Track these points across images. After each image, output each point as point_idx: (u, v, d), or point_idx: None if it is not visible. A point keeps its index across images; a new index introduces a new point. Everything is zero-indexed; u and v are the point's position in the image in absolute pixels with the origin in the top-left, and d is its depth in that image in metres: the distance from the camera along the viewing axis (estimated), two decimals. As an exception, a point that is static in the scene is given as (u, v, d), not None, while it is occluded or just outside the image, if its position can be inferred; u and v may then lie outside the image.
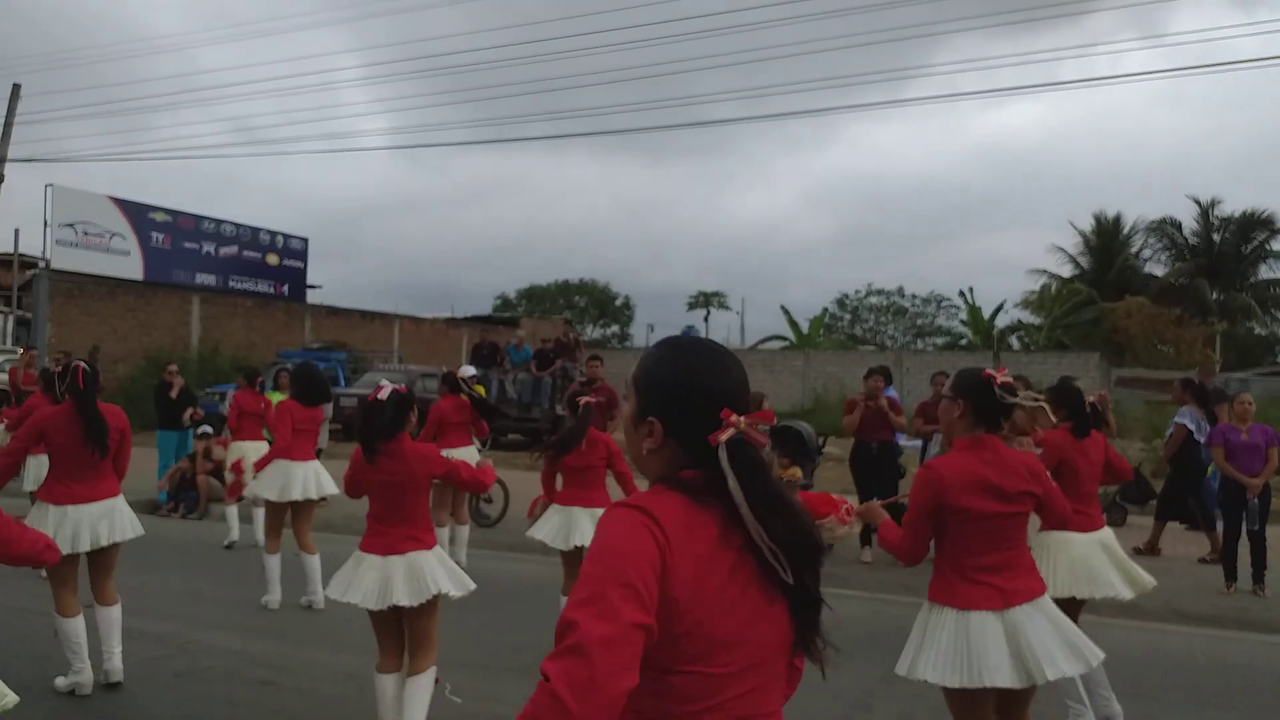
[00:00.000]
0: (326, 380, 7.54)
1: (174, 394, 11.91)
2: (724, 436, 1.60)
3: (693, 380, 1.65)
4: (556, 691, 1.40)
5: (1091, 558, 4.74)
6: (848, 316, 54.18)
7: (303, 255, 32.49)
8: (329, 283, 69.15)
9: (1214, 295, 38.79)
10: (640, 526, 1.50)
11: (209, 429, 12.12)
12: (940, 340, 49.38)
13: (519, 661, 5.94)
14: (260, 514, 8.82)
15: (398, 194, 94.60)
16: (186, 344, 25.97)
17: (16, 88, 23.03)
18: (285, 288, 31.54)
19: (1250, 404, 8.27)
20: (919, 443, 9.89)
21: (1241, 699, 5.62)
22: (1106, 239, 40.77)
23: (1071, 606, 4.54)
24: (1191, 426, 9.33)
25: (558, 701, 1.40)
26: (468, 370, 11.24)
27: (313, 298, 33.39)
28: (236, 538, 9.71)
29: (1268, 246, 39.52)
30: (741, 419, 1.62)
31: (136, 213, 26.77)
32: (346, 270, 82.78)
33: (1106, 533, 4.92)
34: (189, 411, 12.03)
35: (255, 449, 9.16)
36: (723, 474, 1.57)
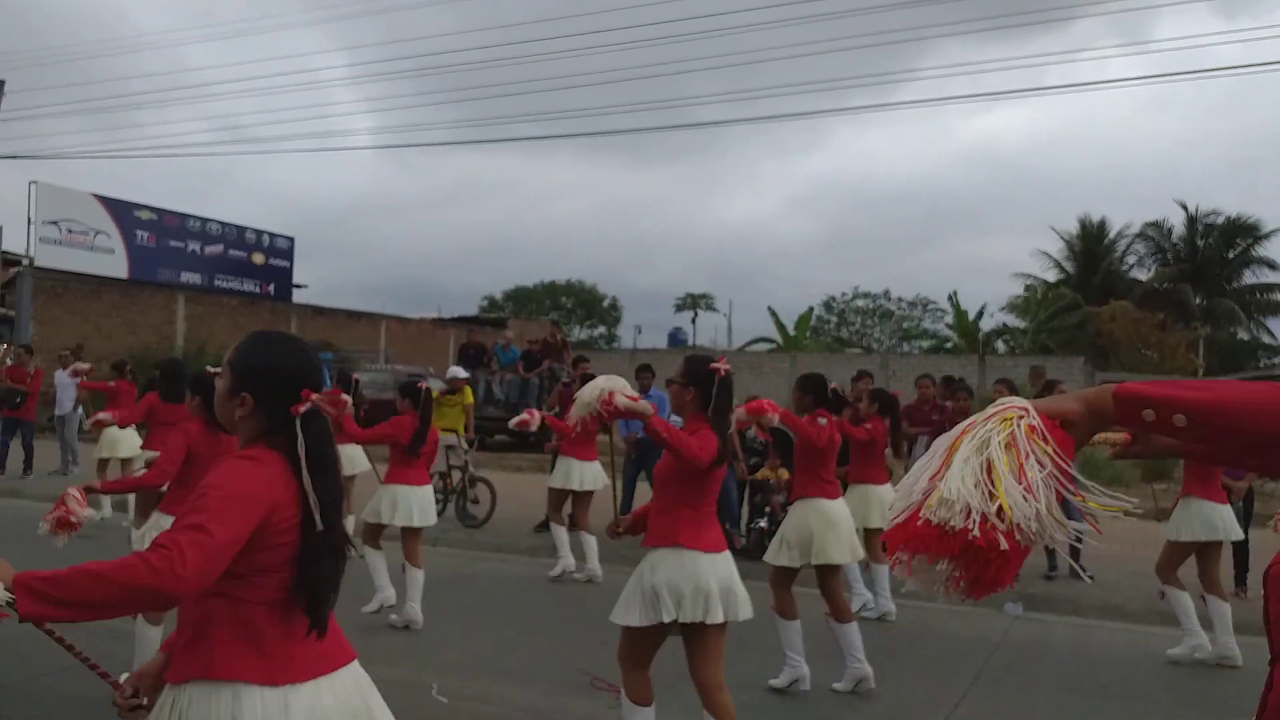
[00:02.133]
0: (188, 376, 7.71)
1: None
2: (302, 409, 2.12)
3: (280, 364, 2.18)
4: (183, 546, 1.84)
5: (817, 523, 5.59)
6: (834, 319, 54.29)
7: (289, 254, 32.36)
8: (315, 282, 68.94)
9: (1198, 300, 39.07)
10: (263, 469, 2.06)
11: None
12: (926, 343, 49.52)
13: (505, 662, 5.93)
14: None
15: (384, 194, 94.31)
16: (172, 344, 25.82)
17: (0, 84, 22.87)
18: (271, 287, 31.41)
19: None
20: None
21: (1225, 699, 5.66)
22: (1091, 243, 41.01)
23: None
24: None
25: (180, 554, 1.83)
26: (457, 371, 11.24)
27: (299, 297, 33.27)
28: None
29: (1252, 252, 39.84)
30: (315, 396, 2.15)
31: (121, 210, 26.61)
32: (333, 270, 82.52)
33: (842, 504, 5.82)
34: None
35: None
36: (295, 437, 2.09)
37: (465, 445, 10.77)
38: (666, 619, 3.88)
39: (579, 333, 55.06)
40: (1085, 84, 62.98)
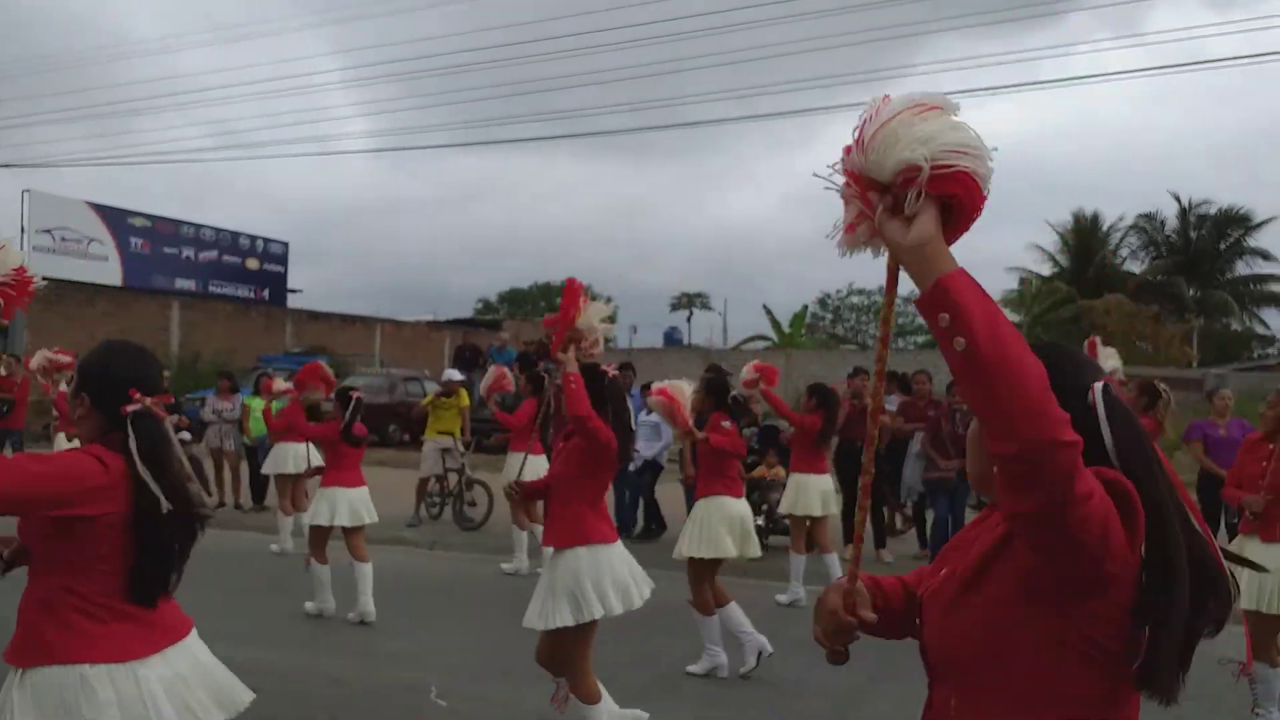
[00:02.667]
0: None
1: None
2: (129, 409, 2.41)
3: (112, 369, 2.48)
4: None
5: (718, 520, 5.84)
6: (829, 316, 54.39)
7: (283, 259, 32.32)
8: (310, 286, 68.74)
9: (1191, 292, 39.18)
10: (95, 461, 2.33)
11: (188, 435, 12.04)
12: (921, 339, 49.59)
13: (503, 664, 5.94)
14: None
15: (379, 197, 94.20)
16: (167, 350, 25.79)
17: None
18: (266, 292, 31.37)
19: (1229, 399, 8.40)
20: None
21: (1224, 690, 5.68)
22: (1085, 237, 41.08)
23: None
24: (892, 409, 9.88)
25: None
26: (452, 374, 11.23)
27: (293, 302, 33.22)
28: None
29: (1244, 243, 39.94)
30: (146, 399, 2.43)
31: (115, 218, 26.58)
32: (328, 274, 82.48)
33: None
34: (174, 418, 11.96)
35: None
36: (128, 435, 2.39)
37: (461, 448, 10.77)
38: (597, 615, 4.08)
39: (574, 333, 54.99)
40: (1079, 78, 63.16)
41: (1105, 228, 41.37)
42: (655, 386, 5.70)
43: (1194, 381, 27.41)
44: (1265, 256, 39.82)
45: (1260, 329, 42.61)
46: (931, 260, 1.36)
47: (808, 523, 7.74)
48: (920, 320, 46.13)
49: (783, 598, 7.71)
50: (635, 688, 5.46)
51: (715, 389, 6.14)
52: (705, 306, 56.91)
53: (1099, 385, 1.52)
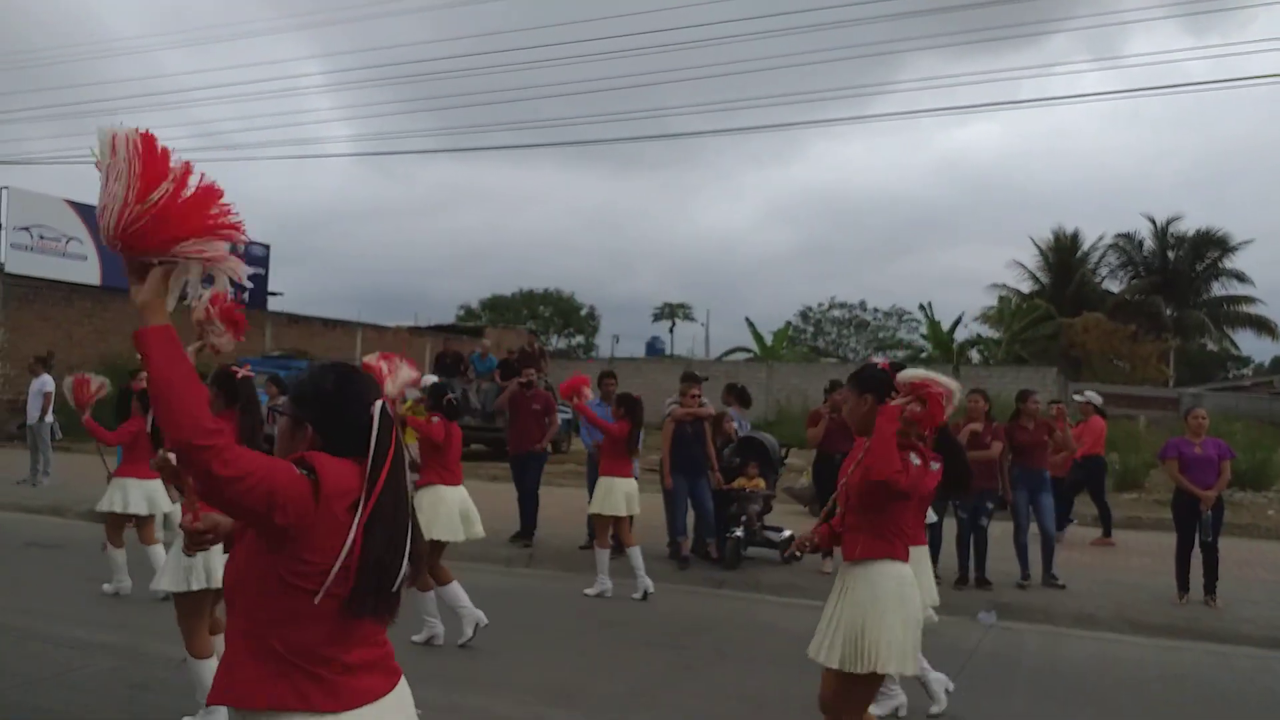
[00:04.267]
0: None
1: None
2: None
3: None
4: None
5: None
6: (810, 329, 54.54)
7: (264, 262, 32.11)
8: (291, 290, 68.45)
9: (1168, 311, 39.54)
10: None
11: (166, 437, 11.95)
12: (901, 353, 49.79)
13: (477, 672, 5.91)
14: None
15: (361, 201, 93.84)
16: (144, 351, 25.56)
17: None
18: (246, 295, 31.02)
19: (1204, 418, 8.46)
20: None
21: (1193, 707, 5.72)
22: (1065, 255, 41.42)
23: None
24: (737, 424, 10.35)
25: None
26: (430, 379, 11.17)
27: (274, 305, 33.03)
28: None
29: (1220, 264, 40.38)
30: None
31: (94, 216, 26.15)
32: (308, 278, 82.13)
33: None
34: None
35: None
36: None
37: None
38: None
39: (556, 342, 54.98)
40: (1058, 98, 63.77)
41: (1085, 247, 41.75)
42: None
43: (1170, 400, 27.68)
44: (1240, 278, 40.28)
45: (1235, 350, 43.05)
46: (146, 315, 2.08)
47: (613, 522, 8.24)
48: (901, 335, 46.09)
49: (590, 590, 8.20)
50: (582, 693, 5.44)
51: (433, 393, 7.05)
52: (688, 317, 57.03)
53: (378, 404, 2.17)
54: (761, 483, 9.73)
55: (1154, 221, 41.13)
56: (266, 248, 32.29)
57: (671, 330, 55.90)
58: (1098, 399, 12.11)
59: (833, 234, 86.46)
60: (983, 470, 8.64)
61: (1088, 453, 11.25)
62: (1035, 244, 42.08)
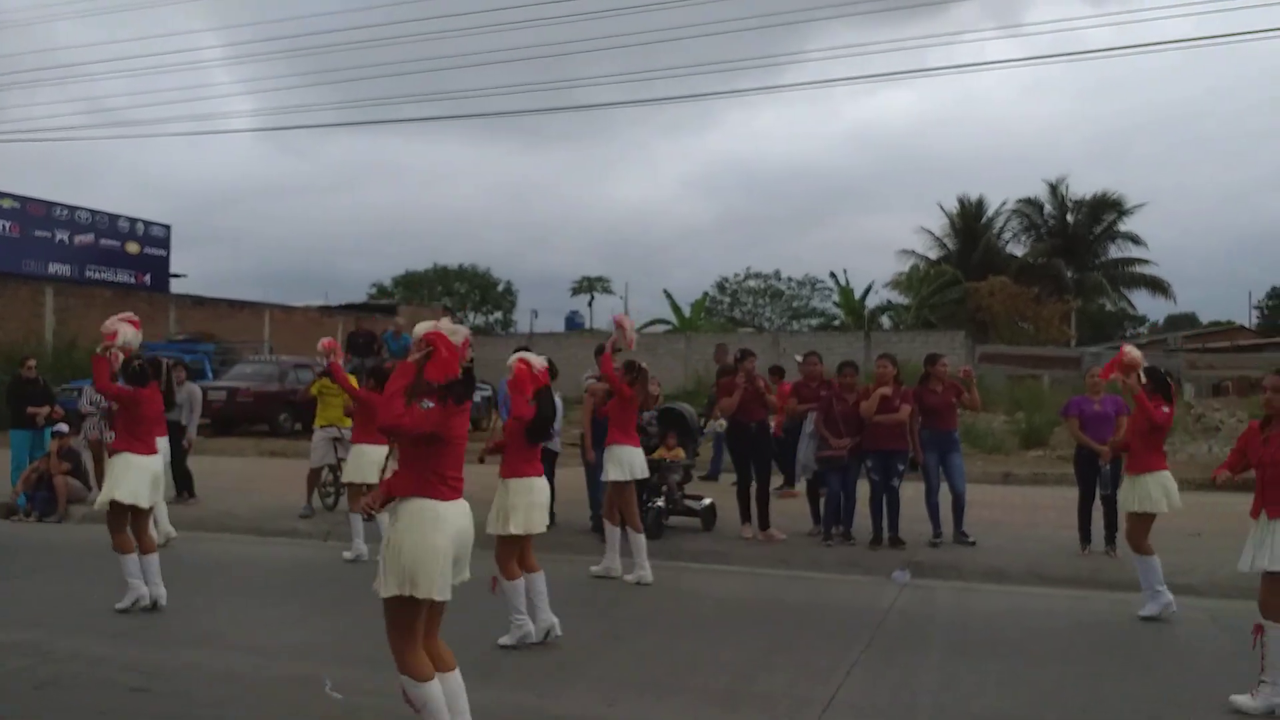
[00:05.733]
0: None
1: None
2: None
3: None
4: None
5: None
6: (727, 300, 55.01)
7: (165, 243, 31.10)
8: (194, 271, 66.26)
9: (1069, 274, 40.92)
10: None
11: (64, 427, 11.50)
12: (815, 321, 50.63)
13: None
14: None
15: (266, 178, 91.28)
16: (40, 337, 24.54)
17: None
18: (147, 277, 30.16)
19: (1101, 376, 8.78)
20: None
21: (1097, 652, 5.99)
22: (971, 221, 42.48)
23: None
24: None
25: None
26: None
27: (177, 287, 32.04)
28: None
29: (1116, 227, 41.90)
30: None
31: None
32: (213, 258, 79.62)
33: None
34: (49, 409, 11.43)
35: None
36: None
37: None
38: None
39: (474, 318, 54.42)
40: (964, 65, 65.17)
41: (990, 212, 42.87)
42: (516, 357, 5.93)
43: (1073, 360, 28.68)
44: (1136, 240, 41.87)
45: (1132, 309, 44.78)
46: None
47: (365, 488, 7.98)
48: (814, 304, 46.68)
49: (348, 554, 8.58)
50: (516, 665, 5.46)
51: (137, 374, 7.06)
52: (606, 290, 57.00)
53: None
54: (681, 452, 9.81)
55: (1054, 187, 42.44)
56: (167, 228, 31.26)
57: (590, 304, 55.83)
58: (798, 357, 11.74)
59: (749, 204, 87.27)
60: (893, 433, 8.87)
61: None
62: (943, 210, 43.10)
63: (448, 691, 4.00)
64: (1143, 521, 6.78)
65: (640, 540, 7.88)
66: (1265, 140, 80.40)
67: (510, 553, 5.94)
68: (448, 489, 4.01)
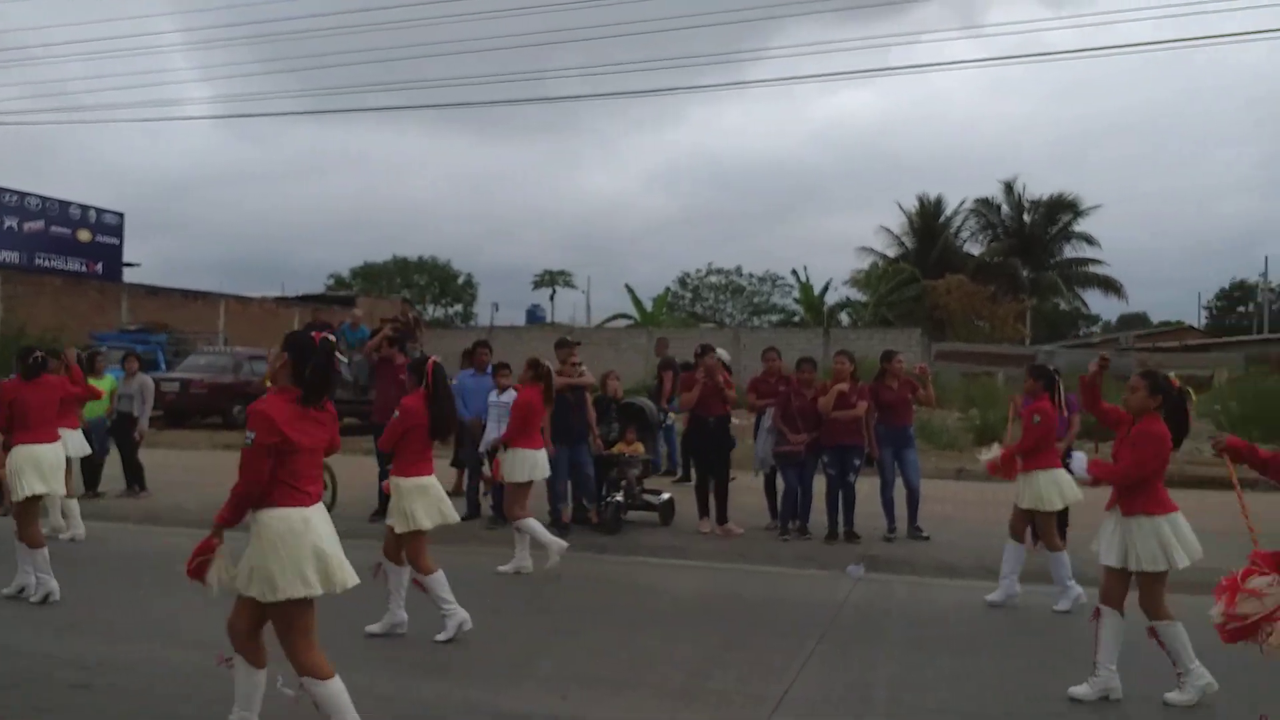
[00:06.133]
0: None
1: None
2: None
3: None
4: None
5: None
6: (689, 295, 55.10)
7: (118, 231, 30.56)
8: (148, 260, 65.28)
9: (1025, 273, 41.52)
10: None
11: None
12: (775, 317, 50.89)
13: (354, 649, 5.79)
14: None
15: (224, 166, 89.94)
16: (-14, 326, 24.00)
17: None
18: (99, 266, 29.62)
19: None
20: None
21: (1047, 645, 6.07)
22: (929, 220, 42.94)
23: None
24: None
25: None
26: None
27: (130, 276, 31.51)
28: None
29: (1071, 228, 42.58)
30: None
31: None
32: (168, 247, 78.31)
33: None
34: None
35: None
36: None
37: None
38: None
39: (433, 311, 54.04)
40: (926, 65, 65.78)
41: (948, 211, 43.35)
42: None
43: (1027, 357, 29.05)
44: (1090, 241, 42.57)
45: (1085, 309, 45.50)
46: None
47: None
48: (775, 300, 46.95)
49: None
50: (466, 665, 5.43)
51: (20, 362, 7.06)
52: (569, 284, 56.89)
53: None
54: (640, 447, 9.82)
55: (1011, 187, 43.01)
56: (120, 216, 30.72)
57: (552, 298, 55.70)
58: (726, 356, 12.04)
59: (712, 200, 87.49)
60: (850, 428, 8.94)
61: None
62: (902, 209, 43.51)
63: (257, 686, 4.17)
64: (1048, 519, 6.95)
65: (534, 527, 7.97)
66: (1216, 146, 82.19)
67: (418, 548, 5.99)
68: (305, 496, 3.99)
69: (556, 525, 9.29)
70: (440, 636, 5.87)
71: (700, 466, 9.54)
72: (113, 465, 11.41)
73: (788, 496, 9.26)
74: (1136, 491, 5.01)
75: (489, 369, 10.03)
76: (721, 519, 9.36)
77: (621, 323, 39.01)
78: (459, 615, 5.90)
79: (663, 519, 9.75)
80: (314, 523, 4.00)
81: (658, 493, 9.98)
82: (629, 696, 5.01)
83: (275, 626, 4.01)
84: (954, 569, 8.11)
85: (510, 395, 9.57)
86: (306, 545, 3.92)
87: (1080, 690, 4.98)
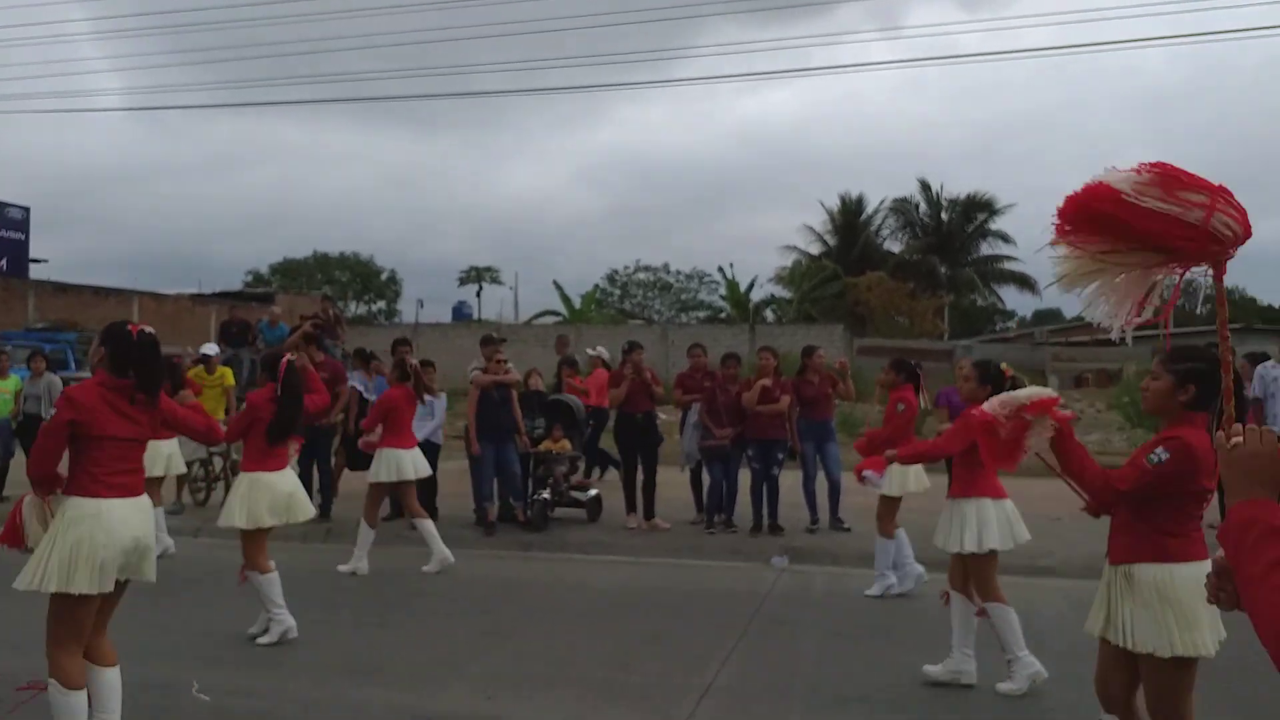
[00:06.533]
0: None
1: None
2: None
3: None
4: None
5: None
6: (617, 292, 55.10)
7: (23, 226, 29.47)
8: (57, 257, 62.64)
9: (943, 270, 42.48)
10: None
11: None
12: (702, 314, 51.21)
13: (273, 653, 5.70)
14: None
15: (136, 160, 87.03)
16: (-121, 326, 22.90)
17: None
18: (3, 262, 28.53)
19: (969, 367, 9.16)
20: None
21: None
22: (851, 218, 43.65)
23: None
24: (360, 387, 10.10)
25: None
26: (207, 349, 10.58)
27: (37, 273, 30.37)
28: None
29: (987, 226, 43.68)
30: None
31: None
32: (78, 243, 75.56)
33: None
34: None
35: None
36: None
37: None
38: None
39: (356, 308, 53.13)
40: (845, 66, 66.86)
41: (869, 210, 44.12)
42: None
43: (945, 353, 29.79)
44: (1005, 239, 43.70)
45: (1001, 305, 46.76)
46: None
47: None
48: (701, 297, 47.07)
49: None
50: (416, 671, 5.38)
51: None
52: (495, 281, 56.34)
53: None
54: (567, 444, 9.82)
55: (928, 186, 43.96)
56: (26, 210, 29.63)
57: (479, 294, 55.11)
58: (605, 354, 12.22)
59: (639, 197, 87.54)
60: (773, 422, 9.07)
61: (594, 404, 11.15)
62: (824, 208, 44.14)
63: (106, 685, 3.96)
64: (889, 505, 7.13)
65: (370, 535, 7.91)
66: (1122, 148, 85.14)
67: (257, 547, 5.91)
68: (104, 488, 3.87)
69: (482, 524, 9.25)
70: (261, 635, 5.80)
71: (628, 462, 9.58)
72: (18, 469, 10.99)
73: (713, 490, 9.36)
74: (966, 478, 5.10)
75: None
76: (649, 514, 9.41)
77: (550, 320, 38.85)
78: (287, 622, 5.80)
79: (590, 515, 9.77)
80: (108, 517, 3.83)
81: (585, 489, 9.99)
82: (554, 694, 5.02)
83: (48, 616, 3.85)
84: (873, 559, 8.26)
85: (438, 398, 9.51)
86: (93, 540, 3.77)
87: (934, 671, 5.12)
